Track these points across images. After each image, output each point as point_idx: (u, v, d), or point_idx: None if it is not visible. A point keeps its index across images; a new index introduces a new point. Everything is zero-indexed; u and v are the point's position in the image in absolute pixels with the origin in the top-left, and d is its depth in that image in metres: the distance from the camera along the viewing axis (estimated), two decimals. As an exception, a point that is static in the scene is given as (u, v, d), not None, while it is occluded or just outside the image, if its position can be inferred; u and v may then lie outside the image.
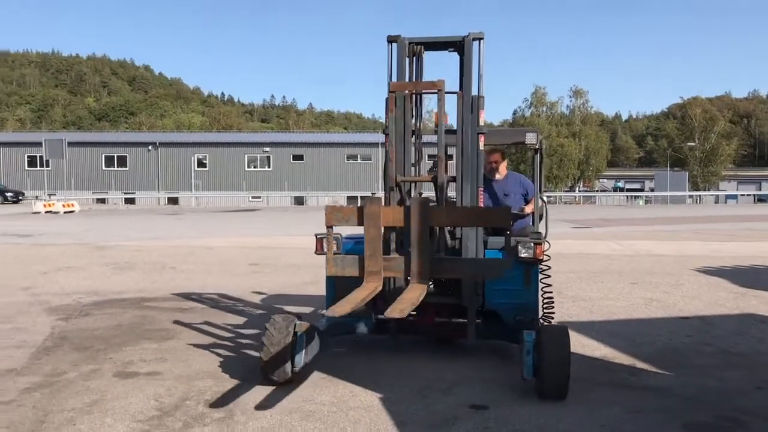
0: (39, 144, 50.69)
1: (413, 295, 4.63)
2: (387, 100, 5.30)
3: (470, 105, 5.43)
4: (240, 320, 7.68)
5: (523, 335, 4.83)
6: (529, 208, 6.58)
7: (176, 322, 7.57)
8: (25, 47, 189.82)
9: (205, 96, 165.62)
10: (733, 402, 4.96)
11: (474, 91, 5.45)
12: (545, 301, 6.06)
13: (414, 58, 5.59)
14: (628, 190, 76.42)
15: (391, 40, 5.49)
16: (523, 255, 5.32)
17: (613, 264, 12.66)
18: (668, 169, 68.23)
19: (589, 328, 7.25)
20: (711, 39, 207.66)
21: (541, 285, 5.78)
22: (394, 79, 5.48)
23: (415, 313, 5.43)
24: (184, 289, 9.77)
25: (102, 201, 48.74)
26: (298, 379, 5.09)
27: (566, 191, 70.13)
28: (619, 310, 8.31)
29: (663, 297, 9.18)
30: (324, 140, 59.31)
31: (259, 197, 50.40)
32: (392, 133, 5.26)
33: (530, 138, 6.04)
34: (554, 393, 4.74)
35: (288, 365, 4.91)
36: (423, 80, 5.62)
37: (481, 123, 5.47)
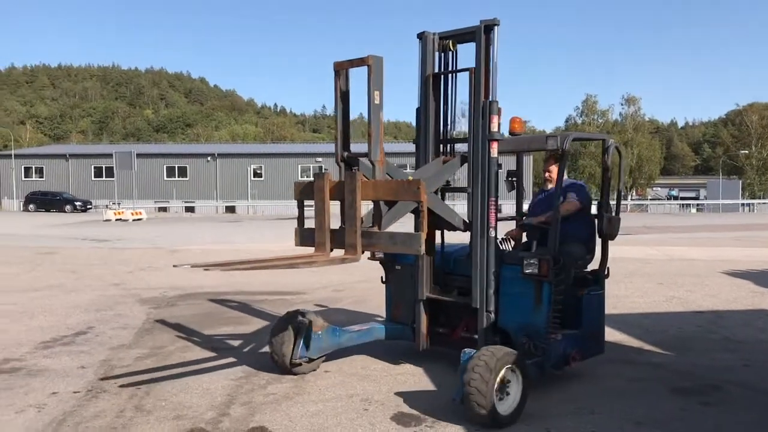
0: (104, 155, 53.66)
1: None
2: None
3: (481, 109, 5.30)
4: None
5: (461, 353, 4.72)
6: (534, 220, 5.79)
7: (247, 311, 8.83)
8: (87, 61, 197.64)
9: (258, 107, 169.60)
10: (719, 375, 5.91)
11: (490, 91, 5.31)
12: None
13: (444, 52, 5.64)
14: (682, 198, 75.50)
15: (419, 36, 5.64)
16: (527, 271, 5.11)
17: (645, 267, 13.48)
18: (721, 177, 67.28)
19: (609, 319, 8.09)
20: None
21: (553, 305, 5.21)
22: (428, 72, 5.63)
23: (443, 329, 5.88)
24: (252, 286, 11.06)
25: (163, 209, 51.09)
26: (309, 368, 5.76)
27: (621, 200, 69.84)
28: (641, 306, 9.21)
29: (684, 295, 10.04)
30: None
31: (312, 205, 51.93)
32: (338, 111, 5.29)
33: (552, 143, 5.52)
34: (475, 420, 4.49)
35: (287, 356, 5.58)
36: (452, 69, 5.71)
37: (494, 129, 5.26)
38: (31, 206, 48.05)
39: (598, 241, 5.98)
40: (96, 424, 4.58)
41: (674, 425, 4.65)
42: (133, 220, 34.73)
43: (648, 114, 75.90)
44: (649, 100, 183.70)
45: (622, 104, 74.56)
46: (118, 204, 40.80)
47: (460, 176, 5.97)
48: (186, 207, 51.48)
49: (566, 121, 76.57)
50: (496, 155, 5.29)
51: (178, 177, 54.76)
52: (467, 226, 5.47)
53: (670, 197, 79.00)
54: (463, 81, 5.57)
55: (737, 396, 5.35)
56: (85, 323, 7.99)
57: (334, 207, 5.09)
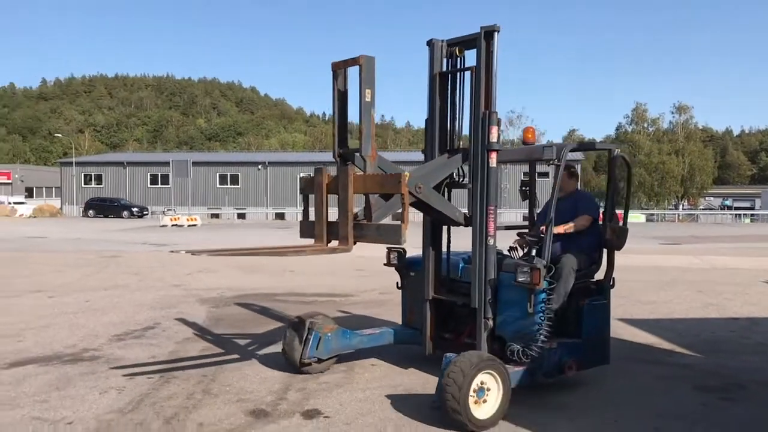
0: (160, 163, 55.44)
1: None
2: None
3: (480, 119, 5.43)
4: (348, 309, 9.43)
5: (443, 357, 4.92)
6: (557, 229, 5.64)
7: (300, 311, 9.37)
8: (143, 71, 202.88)
9: (307, 116, 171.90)
10: (744, 375, 6.23)
11: (490, 101, 5.41)
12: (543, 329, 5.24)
13: (452, 58, 5.81)
14: (736, 208, 73.79)
15: (428, 43, 5.84)
16: (520, 279, 5.14)
17: (686, 275, 13.66)
18: (776, 186, 65.64)
19: (644, 324, 8.54)
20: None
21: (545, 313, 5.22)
22: (435, 71, 5.83)
23: (449, 335, 6.08)
24: (304, 288, 11.68)
25: (216, 216, 52.48)
26: (319, 368, 6.07)
27: (670, 209, 68.79)
28: (678, 312, 9.50)
29: (723, 302, 10.26)
30: (419, 158, 61.01)
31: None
32: (335, 109, 5.41)
33: (548, 153, 5.58)
34: (452, 423, 4.63)
35: (297, 356, 5.94)
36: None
37: (493, 139, 5.36)
38: (91, 212, 49.91)
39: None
40: (170, 404, 5.19)
41: (693, 417, 5.02)
42: (189, 225, 35.92)
43: (701, 122, 74.38)
44: (704, 107, 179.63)
45: (673, 112, 73.48)
46: (174, 210, 42.21)
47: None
48: (238, 213, 52.81)
49: (616, 129, 75.85)
50: (495, 165, 5.40)
51: (230, 184, 56.19)
52: (468, 221, 5.55)
53: (723, 207, 77.22)
54: (468, 86, 5.71)
55: (760, 394, 5.68)
56: (152, 319, 8.70)
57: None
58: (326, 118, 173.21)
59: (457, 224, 5.65)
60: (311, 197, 5.39)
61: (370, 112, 5.04)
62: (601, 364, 5.86)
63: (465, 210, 5.62)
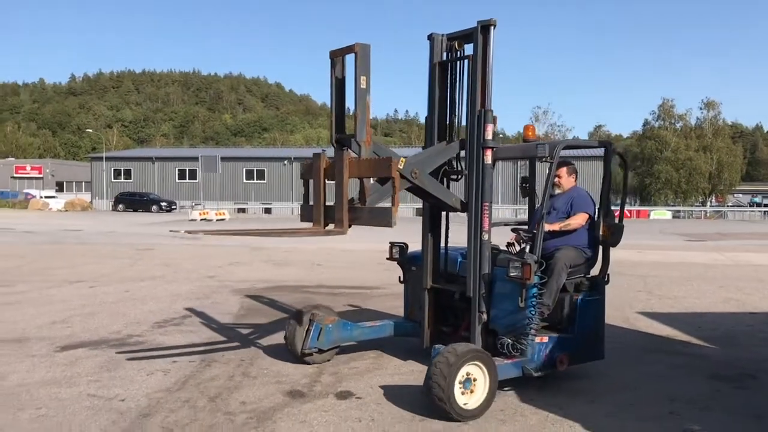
0: (188, 158, 56.31)
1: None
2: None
3: (476, 117, 5.52)
4: (373, 302, 9.78)
5: (432, 349, 5.08)
6: (553, 226, 5.74)
7: (329, 301, 9.74)
8: (169, 67, 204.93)
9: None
10: (757, 366, 6.47)
11: (486, 98, 5.51)
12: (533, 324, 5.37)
13: (451, 52, 5.92)
14: (765, 205, 72.90)
15: (429, 37, 5.97)
16: (512, 274, 5.24)
17: (709, 271, 13.82)
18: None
19: (664, 317, 8.78)
20: None
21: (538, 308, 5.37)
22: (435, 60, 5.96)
23: (447, 328, 6.18)
24: (332, 281, 12.07)
25: (242, 210, 53.29)
26: (320, 358, 6.22)
27: (698, 206, 68.23)
28: (697, 306, 9.72)
29: (743, 297, 10.46)
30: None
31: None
32: (333, 96, 5.50)
33: (541, 151, 5.56)
34: (437, 412, 4.76)
35: (299, 346, 6.12)
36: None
37: (489, 137, 5.46)
38: (120, 206, 50.93)
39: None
40: (213, 384, 5.59)
41: (705, 402, 5.30)
42: (217, 220, 36.60)
43: (731, 118, 73.39)
44: (734, 103, 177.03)
45: (701, 108, 72.74)
46: (203, 205, 42.95)
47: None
48: (264, 208, 53.52)
49: (644, 125, 75.28)
50: (490, 162, 5.51)
51: (257, 180, 56.92)
52: (464, 206, 5.66)
53: (752, 204, 76.34)
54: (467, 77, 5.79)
55: (771, 383, 5.93)
56: (189, 309, 9.13)
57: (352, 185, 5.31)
58: (349, 113, 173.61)
59: (454, 209, 5.77)
60: (311, 182, 5.57)
61: (365, 98, 5.13)
62: (595, 360, 5.91)
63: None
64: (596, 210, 5.96)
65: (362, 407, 5.07)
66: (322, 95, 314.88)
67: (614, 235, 5.90)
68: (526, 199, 6.90)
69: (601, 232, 5.86)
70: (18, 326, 7.81)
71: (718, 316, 8.99)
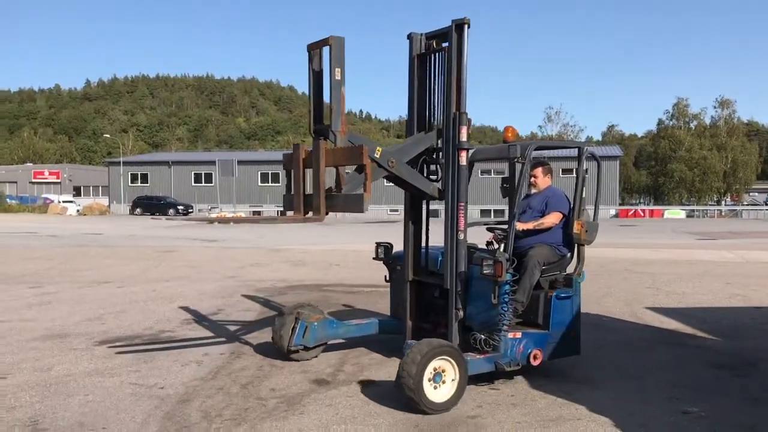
0: (204, 162, 56.97)
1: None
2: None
3: (451, 119, 5.67)
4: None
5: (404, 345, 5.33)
6: (526, 225, 5.96)
7: (346, 300, 10.22)
8: (183, 71, 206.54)
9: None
10: (758, 356, 6.81)
11: (461, 101, 5.63)
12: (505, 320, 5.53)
13: (434, 54, 6.04)
14: (781, 204, 72.56)
15: (408, 37, 6.12)
16: (485, 272, 5.40)
17: (717, 269, 14.10)
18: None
19: (670, 311, 9.12)
20: None
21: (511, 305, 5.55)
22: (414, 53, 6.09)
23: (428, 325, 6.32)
24: (349, 280, 12.49)
25: (257, 213, 53.90)
26: (306, 355, 6.43)
27: (712, 205, 68.10)
28: (703, 301, 10.04)
29: (749, 293, 10.76)
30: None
31: (397, 210, 53.56)
32: (311, 88, 5.60)
33: (512, 152, 5.74)
34: (407, 403, 4.93)
35: (285, 343, 6.29)
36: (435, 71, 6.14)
37: (463, 139, 5.61)
38: (138, 210, 51.71)
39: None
40: (244, 374, 6.01)
41: (705, 388, 5.66)
42: (234, 223, 37.12)
43: (747, 116, 73.02)
44: (750, 101, 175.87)
45: (715, 107, 72.62)
46: (220, 208, 43.56)
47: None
48: (279, 211, 54.11)
49: (658, 125, 75.26)
50: (465, 163, 5.65)
51: (272, 183, 57.51)
52: (441, 194, 5.83)
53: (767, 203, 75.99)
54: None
55: (769, 371, 6.28)
56: (215, 306, 9.57)
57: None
58: (363, 116, 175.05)
59: (433, 198, 5.96)
60: (292, 173, 5.73)
61: (339, 89, 5.24)
62: (571, 355, 6.04)
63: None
64: (569, 210, 6.09)
65: (383, 392, 5.46)
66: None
67: (589, 234, 6.02)
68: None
69: (575, 231, 5.97)
70: (56, 323, 8.28)
71: (723, 311, 9.31)
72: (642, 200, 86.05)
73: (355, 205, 5.19)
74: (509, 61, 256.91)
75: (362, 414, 4.94)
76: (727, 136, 69.71)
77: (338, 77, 5.22)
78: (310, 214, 5.48)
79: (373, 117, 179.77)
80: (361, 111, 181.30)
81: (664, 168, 70.46)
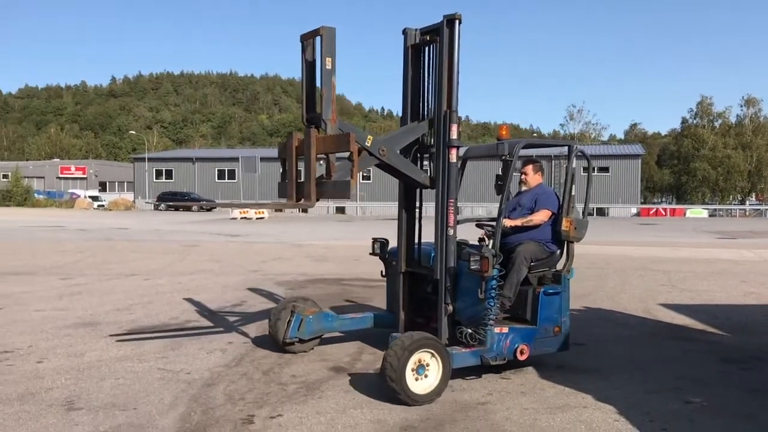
0: (227, 159, 57.57)
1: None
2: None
3: (441, 118, 5.74)
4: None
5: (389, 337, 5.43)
6: (515, 222, 6.05)
7: (364, 293, 10.49)
8: (207, 69, 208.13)
9: (366, 111, 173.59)
10: (765, 350, 6.97)
11: (452, 98, 5.70)
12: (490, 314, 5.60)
13: (428, 45, 6.10)
14: (807, 203, 71.52)
15: (403, 32, 6.15)
16: (472, 267, 5.49)
17: (734, 267, 14.17)
18: None
19: (683, 308, 9.27)
20: None
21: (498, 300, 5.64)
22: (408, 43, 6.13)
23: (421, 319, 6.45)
24: (368, 274, 12.72)
25: (279, 210, 54.40)
26: (302, 348, 6.54)
27: (736, 204, 67.42)
28: (717, 299, 10.17)
29: (763, 291, 10.87)
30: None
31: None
32: (304, 77, 5.68)
33: (501, 149, 5.83)
34: (390, 393, 5.03)
35: (281, 336, 6.43)
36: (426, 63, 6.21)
37: (453, 137, 5.69)
38: (162, 205, 52.45)
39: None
40: (266, 361, 6.30)
41: (711, 381, 5.84)
42: (257, 218, 37.66)
43: (772, 115, 71.74)
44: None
45: (741, 105, 71.82)
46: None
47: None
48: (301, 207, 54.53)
49: (682, 123, 74.63)
50: (455, 161, 5.75)
51: (293, 179, 57.92)
52: (432, 183, 5.92)
53: (794, 203, 74.96)
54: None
55: (776, 366, 6.44)
56: (238, 298, 9.90)
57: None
58: (384, 113, 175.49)
59: (424, 186, 6.05)
60: (286, 161, 5.84)
61: (330, 79, 5.32)
62: (560, 351, 6.08)
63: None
64: (558, 207, 6.14)
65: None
66: (357, 95, 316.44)
67: (578, 231, 6.03)
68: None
69: (563, 228, 6.00)
70: (87, 313, 8.64)
71: (735, 308, 9.44)
72: (664, 199, 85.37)
73: (343, 190, 5.33)
74: (533, 56, 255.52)
75: (378, 398, 5.20)
76: (753, 134, 68.93)
77: (329, 66, 5.32)
78: (302, 200, 5.63)
79: (395, 114, 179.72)
80: (382, 108, 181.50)
81: (687, 167, 69.90)
